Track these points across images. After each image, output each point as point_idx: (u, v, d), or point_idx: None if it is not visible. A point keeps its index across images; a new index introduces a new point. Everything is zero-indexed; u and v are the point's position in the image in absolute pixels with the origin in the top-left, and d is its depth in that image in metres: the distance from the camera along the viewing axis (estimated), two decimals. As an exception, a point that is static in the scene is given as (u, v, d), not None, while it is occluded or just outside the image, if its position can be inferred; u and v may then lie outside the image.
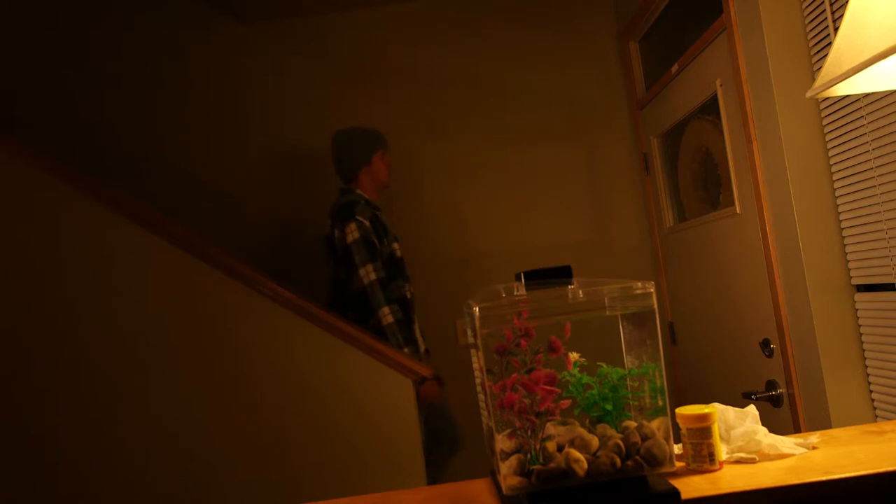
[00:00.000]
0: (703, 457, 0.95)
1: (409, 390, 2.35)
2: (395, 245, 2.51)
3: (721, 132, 2.12)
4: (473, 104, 3.01)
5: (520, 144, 3.01)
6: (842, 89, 1.14)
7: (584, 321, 0.94)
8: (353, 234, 2.34)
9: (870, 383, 1.63)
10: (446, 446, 2.56)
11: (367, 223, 2.35)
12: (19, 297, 2.28)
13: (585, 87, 3.01)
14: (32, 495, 2.26)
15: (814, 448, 1.00)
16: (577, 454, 0.85)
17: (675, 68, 2.42)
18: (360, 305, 2.36)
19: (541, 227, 3.01)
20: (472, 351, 1.19)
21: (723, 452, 0.99)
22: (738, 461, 0.98)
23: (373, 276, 2.31)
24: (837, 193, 1.66)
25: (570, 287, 0.92)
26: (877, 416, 1.62)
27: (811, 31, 1.67)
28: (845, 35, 1.06)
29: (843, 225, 1.66)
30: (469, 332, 1.26)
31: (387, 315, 2.30)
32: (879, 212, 1.49)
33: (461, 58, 3.03)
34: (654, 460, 0.86)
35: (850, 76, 1.02)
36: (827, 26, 1.59)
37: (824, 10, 1.59)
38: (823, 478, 0.87)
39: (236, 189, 3.03)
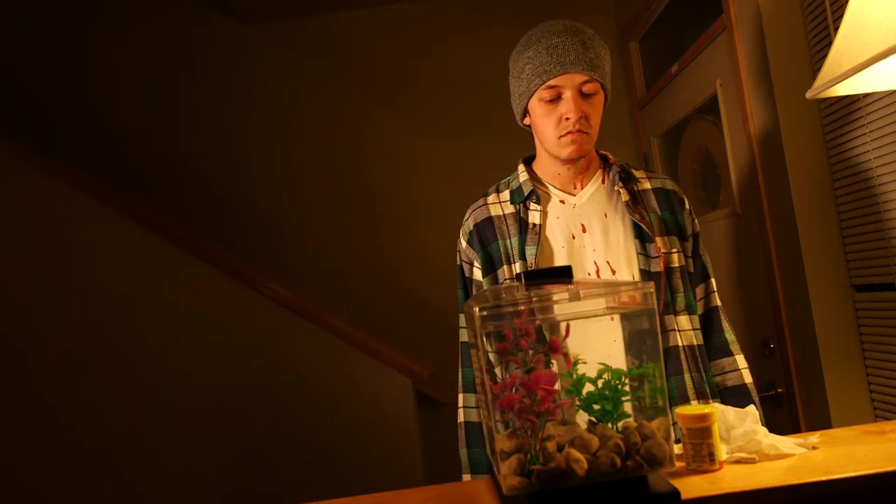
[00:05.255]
0: (703, 457, 0.95)
1: (409, 390, 2.35)
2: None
3: (721, 132, 2.12)
4: (473, 104, 3.01)
5: (521, 144, 3.00)
6: (842, 89, 1.14)
7: (584, 321, 0.94)
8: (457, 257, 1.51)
9: (870, 383, 1.63)
10: None
11: (463, 242, 1.47)
12: (20, 297, 2.28)
13: (585, 87, 3.00)
14: (33, 494, 2.25)
15: (814, 448, 1.00)
16: (577, 454, 0.85)
17: (675, 68, 2.42)
18: None
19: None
20: (472, 351, 1.19)
21: (723, 452, 0.99)
22: (738, 461, 0.98)
23: (463, 336, 1.48)
24: (837, 193, 1.66)
25: (569, 287, 0.92)
26: (877, 416, 1.62)
27: (811, 31, 1.67)
28: (845, 35, 1.06)
29: (843, 225, 1.66)
30: (469, 333, 1.26)
31: (459, 408, 1.45)
32: (879, 212, 1.49)
33: (460, 58, 3.03)
34: (654, 460, 0.86)
35: (850, 76, 1.02)
36: (827, 26, 1.59)
37: (824, 10, 1.59)
38: (823, 478, 0.87)
39: (235, 187, 3.02)
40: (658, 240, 1.35)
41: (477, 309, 0.86)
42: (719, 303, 1.43)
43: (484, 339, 0.88)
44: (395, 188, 3.03)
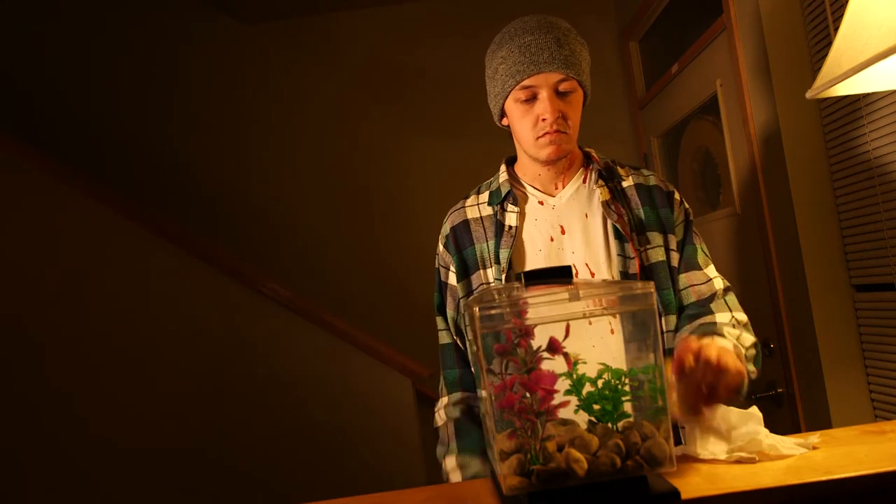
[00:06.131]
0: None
1: (409, 390, 2.35)
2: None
3: (721, 132, 2.12)
4: (473, 103, 3.00)
5: (520, 144, 3.00)
6: (842, 89, 1.15)
7: (585, 321, 0.94)
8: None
9: (870, 383, 1.63)
10: None
11: (440, 246, 1.45)
12: (18, 297, 2.28)
13: (585, 87, 3.01)
14: (37, 492, 2.26)
15: (814, 448, 1.00)
16: (577, 454, 0.85)
17: (675, 68, 2.42)
18: None
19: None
20: (472, 351, 1.18)
21: (723, 452, 0.99)
22: (739, 461, 0.98)
23: (442, 338, 1.45)
24: (837, 193, 1.66)
25: (569, 287, 0.92)
26: (877, 416, 1.62)
27: (811, 31, 1.67)
28: (845, 35, 1.06)
29: (843, 225, 1.66)
30: (469, 333, 1.25)
31: (438, 410, 1.41)
32: (879, 212, 1.49)
33: (461, 57, 3.03)
34: (654, 460, 0.86)
35: (850, 76, 1.02)
36: (827, 26, 1.59)
37: (824, 11, 1.59)
38: (824, 478, 0.87)
39: (235, 187, 3.02)
40: (635, 238, 1.29)
41: (477, 309, 0.86)
42: (720, 287, 1.34)
43: (483, 339, 0.88)
44: (394, 188, 3.03)
